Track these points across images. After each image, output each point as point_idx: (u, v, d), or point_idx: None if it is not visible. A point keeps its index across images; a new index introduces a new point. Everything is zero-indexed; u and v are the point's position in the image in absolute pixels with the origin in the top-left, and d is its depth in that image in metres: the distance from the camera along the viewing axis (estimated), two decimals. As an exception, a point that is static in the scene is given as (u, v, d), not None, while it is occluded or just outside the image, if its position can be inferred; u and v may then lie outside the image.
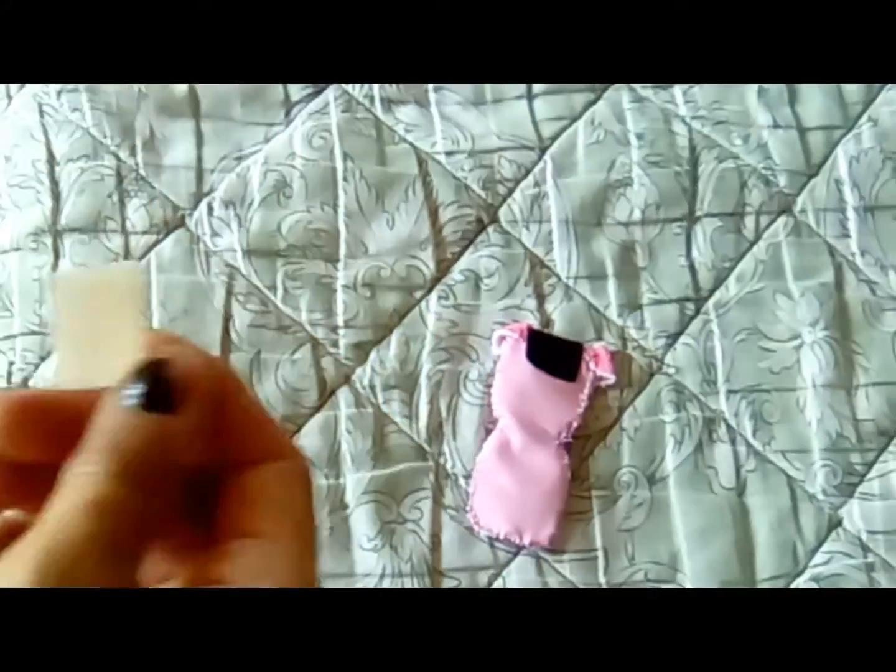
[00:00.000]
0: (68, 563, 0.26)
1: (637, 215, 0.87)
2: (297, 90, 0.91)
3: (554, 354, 0.77)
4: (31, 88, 0.90)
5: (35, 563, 0.26)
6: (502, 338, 0.80)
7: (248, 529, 0.29)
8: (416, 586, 0.75)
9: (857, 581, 0.77)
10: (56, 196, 0.86)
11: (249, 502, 0.29)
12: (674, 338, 0.83)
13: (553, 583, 0.76)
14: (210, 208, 0.86)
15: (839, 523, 0.79)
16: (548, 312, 0.83)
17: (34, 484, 0.29)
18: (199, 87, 0.91)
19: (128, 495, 0.27)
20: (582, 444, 0.80)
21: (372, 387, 0.81)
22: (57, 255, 0.84)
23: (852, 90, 0.92)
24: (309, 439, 0.79)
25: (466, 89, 0.91)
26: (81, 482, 0.27)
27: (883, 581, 0.77)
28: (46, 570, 0.26)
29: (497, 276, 0.84)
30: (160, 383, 0.27)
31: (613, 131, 0.90)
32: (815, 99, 0.91)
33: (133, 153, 0.88)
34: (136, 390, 0.26)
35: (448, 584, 0.76)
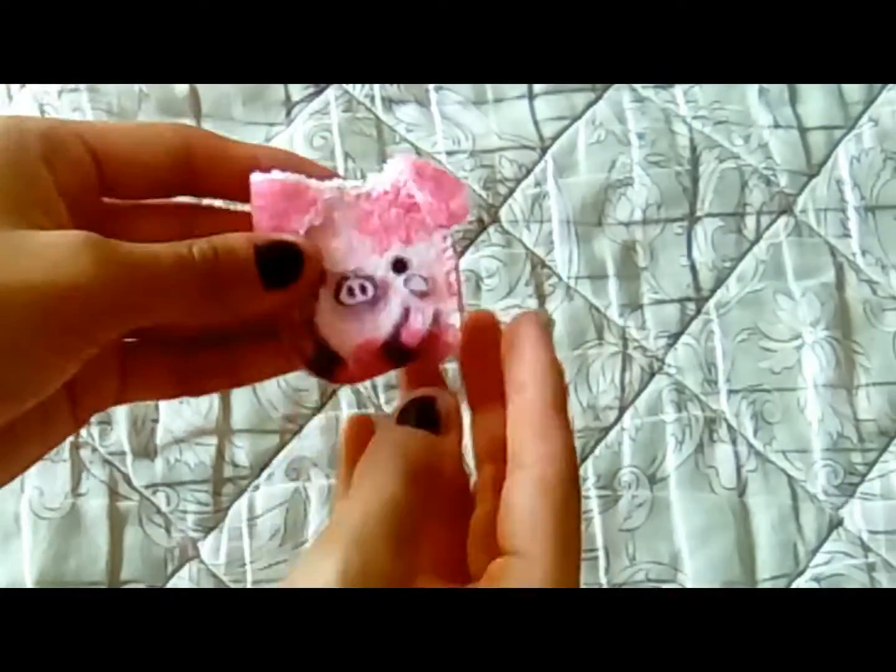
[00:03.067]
0: (371, 555, 0.29)
1: (638, 215, 0.87)
2: (297, 90, 0.91)
3: None
4: (31, 89, 0.90)
5: (343, 555, 0.28)
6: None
7: (505, 547, 0.32)
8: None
9: (859, 581, 0.77)
10: (57, 196, 0.86)
11: (503, 517, 0.32)
12: (675, 338, 0.83)
13: (554, 583, 0.76)
14: (211, 208, 0.86)
15: (840, 523, 0.79)
16: (548, 312, 0.83)
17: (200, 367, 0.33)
18: (200, 87, 0.91)
19: (416, 494, 0.30)
20: (582, 443, 0.80)
21: (374, 387, 0.81)
22: (58, 255, 0.84)
23: (853, 90, 0.92)
24: (310, 440, 0.79)
25: (467, 89, 0.91)
26: (378, 482, 0.30)
27: (884, 581, 0.77)
28: (352, 562, 0.29)
29: (498, 276, 0.84)
30: (431, 411, 0.33)
31: (614, 131, 0.90)
32: (815, 99, 0.91)
33: (134, 153, 0.88)
34: (412, 414, 0.33)
35: (449, 583, 0.76)
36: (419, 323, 0.33)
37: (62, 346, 0.26)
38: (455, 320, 0.35)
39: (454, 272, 0.35)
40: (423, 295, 0.34)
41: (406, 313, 0.34)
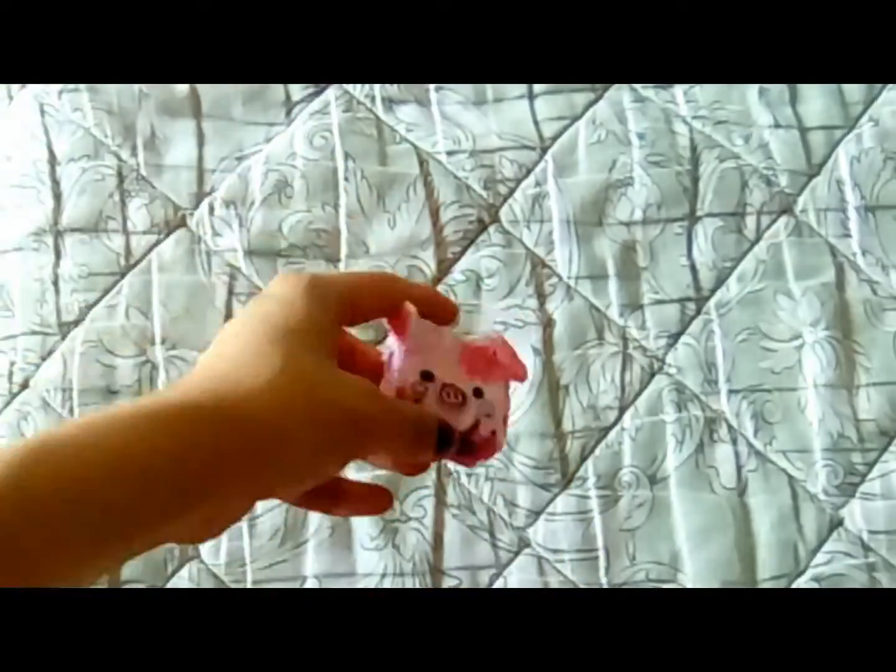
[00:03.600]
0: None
1: (638, 215, 0.87)
2: (298, 90, 0.91)
3: None
4: (32, 88, 0.90)
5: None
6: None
7: None
8: (417, 586, 0.75)
9: (859, 581, 0.77)
10: (57, 196, 0.86)
11: None
12: (675, 338, 0.83)
13: (554, 582, 0.76)
14: (211, 208, 0.86)
15: (840, 523, 0.79)
16: (549, 312, 0.83)
17: None
18: (201, 87, 0.91)
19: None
20: (583, 443, 0.80)
21: (373, 387, 0.81)
22: (58, 255, 0.84)
23: (853, 90, 0.92)
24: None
25: (467, 89, 0.91)
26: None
27: (884, 581, 0.77)
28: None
29: (498, 276, 0.84)
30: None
31: (614, 131, 0.90)
32: (816, 99, 0.91)
33: (134, 153, 0.88)
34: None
35: (449, 583, 0.76)
36: (484, 431, 0.49)
37: (345, 453, 0.39)
38: (502, 439, 0.51)
39: (508, 410, 0.53)
40: (487, 416, 0.51)
41: (476, 423, 0.49)
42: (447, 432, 0.44)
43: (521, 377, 0.56)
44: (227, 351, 0.38)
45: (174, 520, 0.33)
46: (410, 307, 0.46)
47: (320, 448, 0.37)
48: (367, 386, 0.40)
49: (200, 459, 0.33)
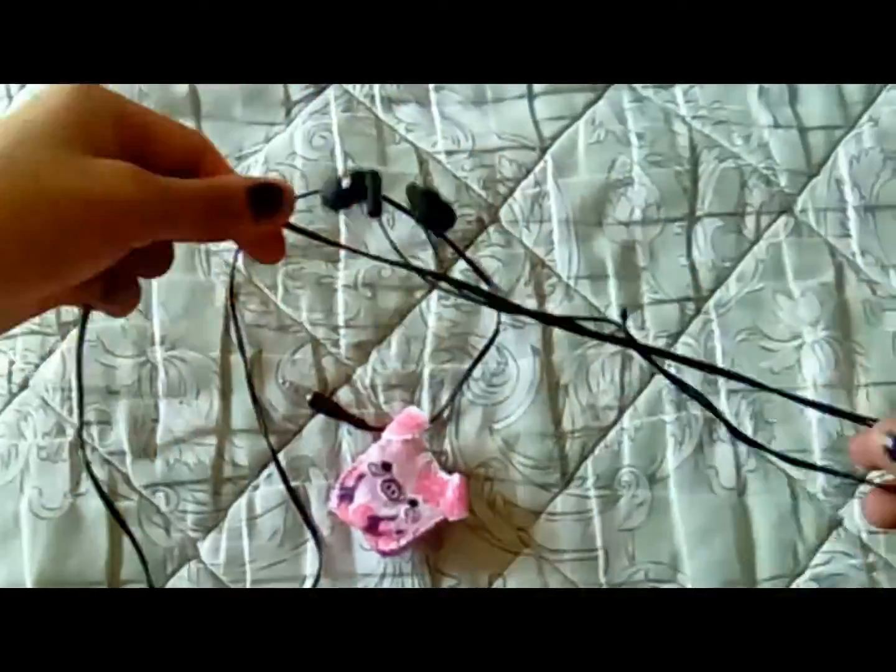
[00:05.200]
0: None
1: (637, 215, 0.87)
2: (297, 90, 0.91)
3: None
4: (31, 88, 0.90)
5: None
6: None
7: None
8: (416, 586, 0.75)
9: (858, 581, 0.77)
10: (56, 196, 0.86)
11: None
12: (674, 337, 0.83)
13: (553, 583, 0.76)
14: (210, 208, 0.86)
15: (840, 523, 0.79)
16: (548, 312, 0.83)
17: None
18: (200, 87, 0.91)
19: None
20: (582, 443, 0.80)
21: (373, 387, 0.81)
22: (57, 255, 0.84)
23: (853, 90, 0.92)
24: (310, 440, 0.79)
25: (467, 89, 0.91)
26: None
27: (884, 581, 0.77)
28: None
29: (497, 276, 0.84)
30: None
31: (614, 131, 0.90)
32: (815, 99, 0.91)
33: (133, 153, 0.88)
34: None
35: (448, 583, 0.76)
36: (395, 526, 0.74)
37: (105, 244, 0.35)
38: (403, 544, 0.74)
39: (425, 530, 0.74)
40: (413, 521, 0.74)
41: (394, 516, 0.74)
42: (267, 191, 0.39)
43: (451, 516, 0.73)
44: None
45: None
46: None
47: (30, 239, 0.33)
48: (129, 170, 0.36)
49: None
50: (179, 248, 0.87)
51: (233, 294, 0.83)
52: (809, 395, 0.81)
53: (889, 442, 0.40)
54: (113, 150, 0.37)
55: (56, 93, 0.37)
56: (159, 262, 0.46)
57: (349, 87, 0.91)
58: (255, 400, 0.80)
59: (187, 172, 0.40)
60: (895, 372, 0.82)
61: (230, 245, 0.85)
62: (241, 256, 0.84)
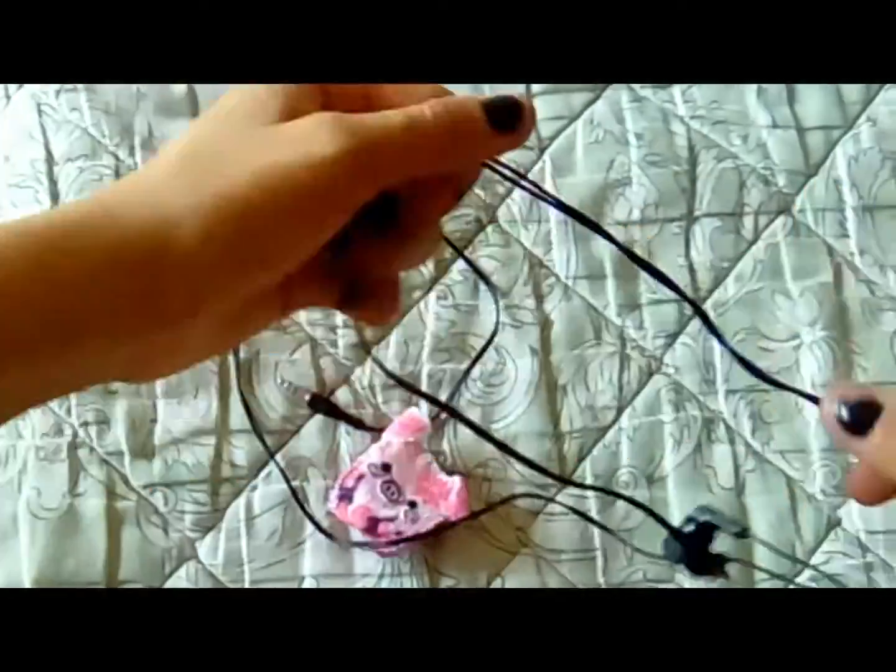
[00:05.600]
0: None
1: (636, 215, 0.87)
2: (295, 90, 0.91)
3: None
4: (29, 88, 0.90)
5: None
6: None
7: None
8: (415, 586, 0.75)
9: (856, 581, 0.77)
10: (55, 196, 0.86)
11: None
12: (672, 338, 0.83)
13: (552, 583, 0.76)
14: (209, 208, 0.86)
15: (838, 523, 0.79)
16: (546, 312, 0.83)
17: None
18: (198, 87, 0.91)
19: None
20: (580, 443, 0.80)
21: (371, 387, 0.81)
22: (55, 255, 0.84)
23: (851, 90, 0.92)
24: (308, 440, 0.79)
25: (465, 89, 0.91)
26: None
27: (882, 581, 0.77)
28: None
29: (496, 276, 0.84)
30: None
31: (612, 131, 0.90)
32: (813, 99, 0.92)
33: (132, 153, 0.88)
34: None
35: (447, 583, 0.76)
36: (394, 527, 0.75)
37: (317, 216, 0.30)
38: (403, 547, 0.74)
39: (423, 531, 0.74)
40: (412, 521, 0.74)
41: (394, 517, 0.74)
42: (506, 105, 0.35)
43: (452, 517, 0.74)
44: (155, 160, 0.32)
45: (60, 355, 0.28)
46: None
47: (226, 240, 0.29)
48: (328, 119, 0.32)
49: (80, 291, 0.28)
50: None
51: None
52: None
53: (842, 411, 0.33)
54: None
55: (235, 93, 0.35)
56: (412, 235, 0.35)
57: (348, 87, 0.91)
58: (246, 402, 0.80)
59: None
60: (893, 372, 0.82)
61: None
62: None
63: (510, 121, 0.34)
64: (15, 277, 0.28)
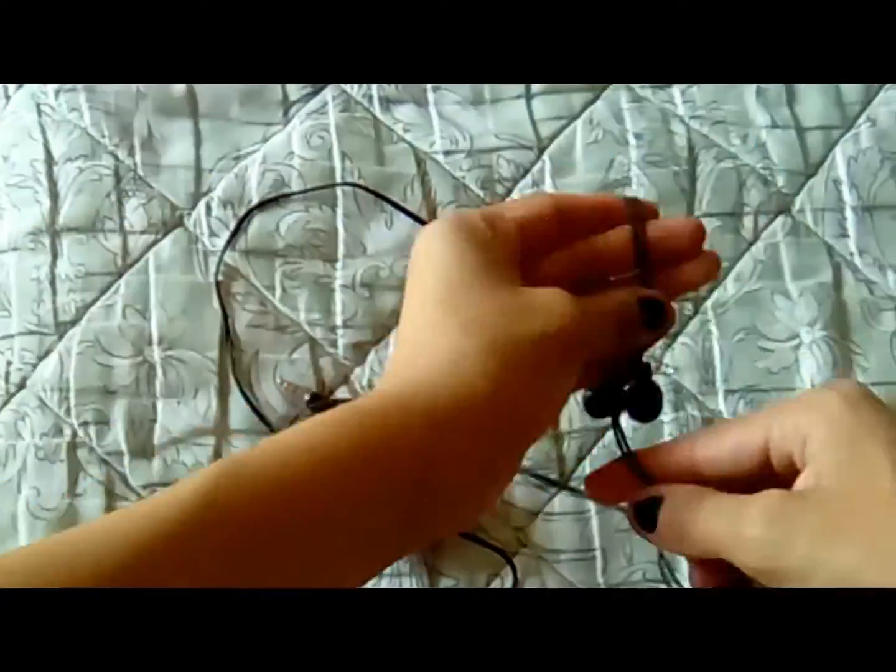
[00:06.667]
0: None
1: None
2: (295, 90, 0.91)
3: None
4: (28, 88, 0.90)
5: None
6: None
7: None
8: (414, 586, 0.75)
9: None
10: (54, 196, 0.86)
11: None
12: (672, 338, 0.83)
13: (551, 583, 0.76)
14: (208, 208, 0.86)
15: (837, 523, 0.79)
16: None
17: None
18: (198, 87, 0.91)
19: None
20: (580, 443, 0.80)
21: (371, 387, 0.81)
22: (55, 255, 0.84)
23: (851, 90, 0.92)
24: (307, 439, 0.79)
25: (465, 89, 0.91)
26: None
27: (881, 581, 0.77)
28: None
29: (495, 276, 0.84)
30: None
31: (612, 131, 0.90)
32: (813, 99, 0.92)
33: (131, 153, 0.88)
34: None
35: (446, 583, 0.76)
36: None
37: (560, 374, 0.36)
38: None
39: None
40: None
41: None
42: (652, 304, 0.41)
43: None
44: (406, 337, 0.37)
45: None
46: None
47: (536, 397, 0.35)
48: (563, 295, 0.37)
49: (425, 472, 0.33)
50: (177, 248, 0.87)
51: (220, 293, 0.83)
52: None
53: (632, 512, 0.40)
54: (515, 269, 0.38)
55: (444, 246, 0.37)
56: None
57: (347, 87, 0.91)
58: (250, 401, 0.80)
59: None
60: (893, 372, 0.82)
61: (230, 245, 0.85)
62: (238, 256, 0.84)
63: (656, 317, 0.40)
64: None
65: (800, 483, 0.35)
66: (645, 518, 0.38)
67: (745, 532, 0.34)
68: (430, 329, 0.35)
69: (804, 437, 0.35)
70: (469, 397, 0.34)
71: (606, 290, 0.41)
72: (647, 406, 0.45)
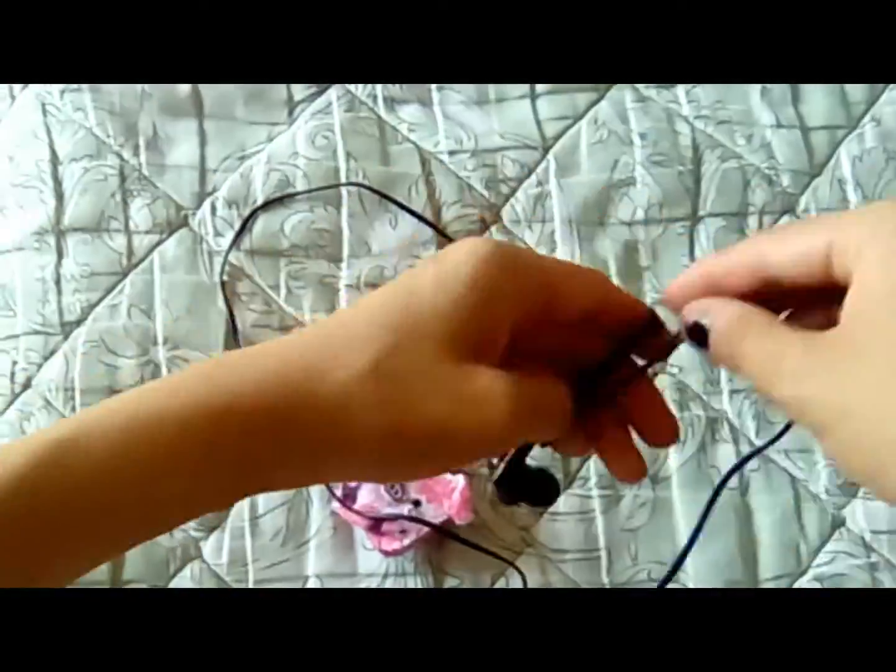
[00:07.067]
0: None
1: (640, 215, 0.87)
2: (300, 90, 0.91)
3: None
4: (34, 88, 0.90)
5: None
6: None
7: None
8: (419, 586, 0.75)
9: (861, 581, 0.77)
10: (59, 196, 0.86)
11: None
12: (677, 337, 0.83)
13: (556, 582, 0.76)
14: (213, 208, 0.86)
15: (842, 523, 0.79)
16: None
17: None
18: (203, 87, 0.91)
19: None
20: (585, 443, 0.80)
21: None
22: (60, 255, 0.84)
23: (855, 90, 0.92)
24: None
25: (469, 89, 0.91)
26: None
27: (886, 581, 0.77)
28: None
29: (500, 276, 0.84)
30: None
31: (616, 131, 0.90)
32: (818, 99, 0.91)
33: (136, 153, 0.88)
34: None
35: (451, 583, 0.76)
36: (398, 526, 0.75)
37: (430, 465, 0.36)
38: (405, 544, 0.74)
39: (426, 531, 0.74)
40: (413, 520, 0.75)
41: (397, 517, 0.74)
42: (586, 380, 0.39)
43: (458, 519, 0.74)
44: (335, 324, 0.35)
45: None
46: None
47: (389, 459, 0.34)
48: (505, 392, 0.35)
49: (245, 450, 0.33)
50: (182, 247, 0.88)
51: (225, 293, 0.83)
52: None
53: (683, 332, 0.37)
54: (502, 340, 0.36)
55: (462, 264, 0.35)
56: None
57: (351, 87, 0.91)
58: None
59: (589, 314, 0.39)
60: None
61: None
62: (243, 256, 0.84)
63: (585, 398, 0.39)
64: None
65: (842, 315, 0.33)
66: (697, 337, 0.37)
67: (774, 389, 0.33)
68: (352, 339, 0.35)
69: (857, 252, 0.33)
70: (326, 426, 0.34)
71: (547, 377, 0.38)
72: (542, 494, 0.46)
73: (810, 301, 0.36)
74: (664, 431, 0.42)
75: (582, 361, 0.40)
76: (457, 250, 0.36)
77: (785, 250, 0.35)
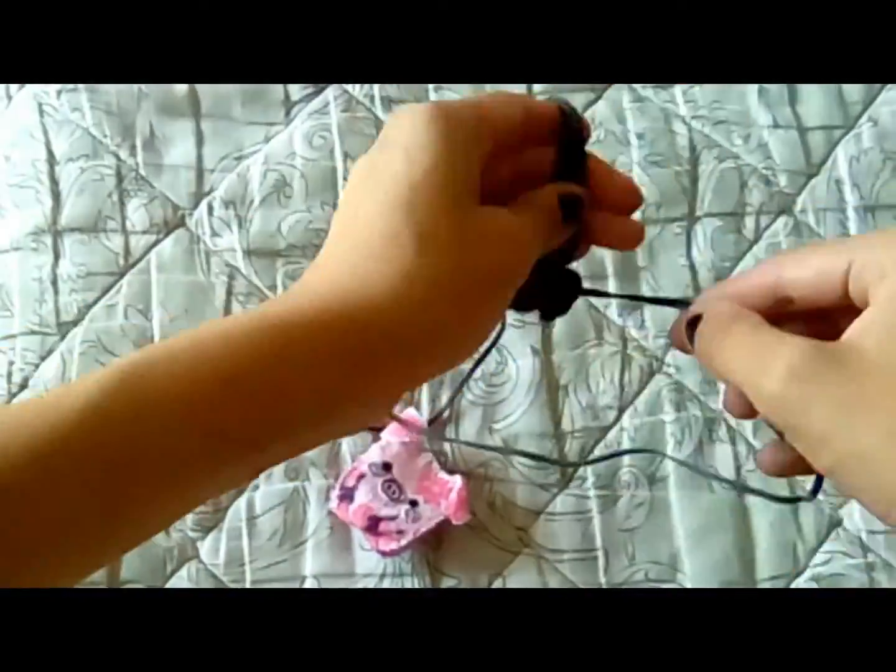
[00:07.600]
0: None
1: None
2: (297, 90, 0.91)
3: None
4: (30, 88, 0.90)
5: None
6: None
7: None
8: (416, 586, 0.75)
9: (858, 581, 0.77)
10: (56, 196, 0.86)
11: None
12: (674, 338, 0.83)
13: (553, 583, 0.76)
14: (210, 208, 0.86)
15: (839, 523, 0.79)
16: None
17: None
18: (200, 87, 0.91)
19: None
20: (582, 443, 0.80)
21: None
22: (57, 255, 0.84)
23: (852, 90, 0.92)
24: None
25: (466, 89, 0.91)
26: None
27: (883, 581, 0.77)
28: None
29: (497, 276, 0.84)
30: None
31: (614, 131, 0.90)
32: (815, 99, 0.92)
33: (133, 153, 0.88)
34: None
35: (448, 583, 0.76)
36: (395, 526, 0.74)
37: (504, 302, 0.38)
38: (403, 544, 0.74)
39: (424, 530, 0.74)
40: (413, 521, 0.73)
41: (395, 516, 0.74)
42: (569, 202, 0.42)
43: (455, 519, 0.74)
44: (353, 233, 0.35)
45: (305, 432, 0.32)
46: None
47: (471, 326, 0.36)
48: (503, 229, 0.36)
49: (331, 375, 0.32)
50: (179, 248, 0.87)
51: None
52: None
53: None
54: (478, 178, 0.37)
55: (416, 132, 0.35)
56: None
57: (348, 87, 0.91)
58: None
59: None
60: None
61: (229, 245, 0.85)
62: (240, 256, 0.84)
63: (571, 216, 0.42)
64: (282, 363, 0.31)
65: (851, 330, 0.32)
66: (691, 332, 0.38)
67: (764, 382, 0.32)
68: (385, 239, 0.34)
69: (882, 274, 0.32)
70: (407, 325, 0.33)
71: (528, 196, 0.40)
72: (561, 294, 0.48)
73: (810, 319, 0.36)
74: (630, 195, 0.47)
75: (537, 182, 0.41)
76: (399, 126, 0.36)
77: (804, 268, 0.35)
